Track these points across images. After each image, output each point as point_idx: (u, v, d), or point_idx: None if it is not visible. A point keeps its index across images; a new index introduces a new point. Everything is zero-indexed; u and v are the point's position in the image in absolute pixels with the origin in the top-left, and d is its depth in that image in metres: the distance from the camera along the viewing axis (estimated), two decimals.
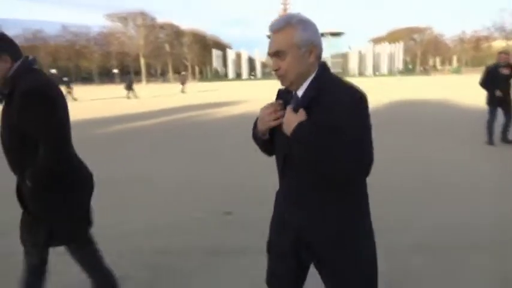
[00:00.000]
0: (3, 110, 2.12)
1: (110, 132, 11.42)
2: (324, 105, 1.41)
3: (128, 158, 7.70)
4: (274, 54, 1.49)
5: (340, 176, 1.41)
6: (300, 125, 1.42)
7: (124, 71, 77.67)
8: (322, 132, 1.37)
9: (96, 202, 2.34)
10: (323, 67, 1.53)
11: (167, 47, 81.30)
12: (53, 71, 66.67)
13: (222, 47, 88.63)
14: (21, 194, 2.21)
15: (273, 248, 1.75)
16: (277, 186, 1.71)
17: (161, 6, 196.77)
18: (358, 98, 1.41)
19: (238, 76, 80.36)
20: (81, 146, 2.69)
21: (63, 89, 24.93)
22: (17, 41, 2.23)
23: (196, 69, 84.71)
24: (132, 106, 20.36)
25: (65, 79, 27.81)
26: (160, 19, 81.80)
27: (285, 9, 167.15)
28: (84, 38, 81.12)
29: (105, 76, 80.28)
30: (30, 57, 2.17)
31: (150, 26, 77.45)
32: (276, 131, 1.59)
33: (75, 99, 25.26)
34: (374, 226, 1.63)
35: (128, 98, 26.18)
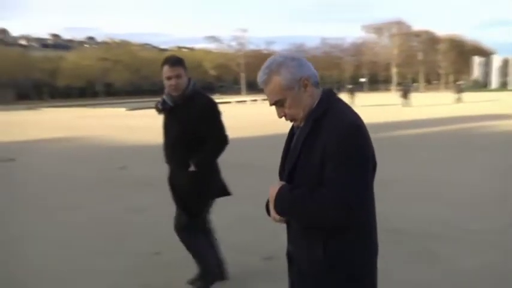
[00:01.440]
0: (171, 114, 2.88)
1: (393, 136, 12.08)
2: (322, 132, 1.41)
3: (411, 161, 8.28)
4: (275, 104, 1.53)
5: (329, 224, 1.41)
6: (277, 200, 1.48)
7: (373, 79, 79.62)
8: (301, 195, 1.40)
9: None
10: (324, 95, 1.53)
11: (420, 55, 78.58)
12: None
13: (484, 53, 79.12)
14: (172, 179, 2.97)
15: None
16: None
17: (418, 14, 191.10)
18: (352, 127, 1.40)
19: (503, 85, 70.10)
20: None
21: (347, 95, 27.84)
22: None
23: (450, 78, 78.54)
24: (407, 114, 20.92)
25: (349, 87, 31.18)
26: (417, 27, 79.71)
27: None
28: (339, 49, 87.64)
29: (354, 85, 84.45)
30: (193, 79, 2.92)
31: (405, 34, 76.79)
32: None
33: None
34: None
35: (403, 106, 26.76)
